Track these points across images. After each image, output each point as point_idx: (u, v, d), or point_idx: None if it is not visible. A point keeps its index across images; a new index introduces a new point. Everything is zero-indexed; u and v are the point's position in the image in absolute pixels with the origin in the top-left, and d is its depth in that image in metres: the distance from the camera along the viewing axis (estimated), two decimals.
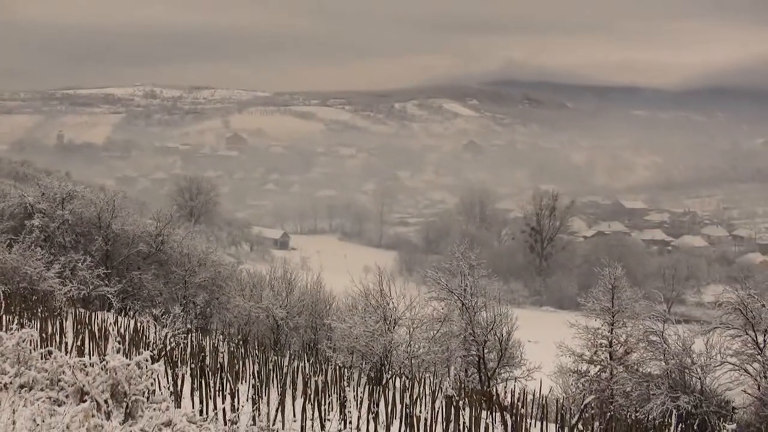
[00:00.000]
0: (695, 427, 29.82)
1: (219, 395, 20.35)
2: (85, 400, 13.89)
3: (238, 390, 19.40)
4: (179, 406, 17.74)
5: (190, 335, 31.17)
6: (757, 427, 30.10)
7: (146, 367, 14.84)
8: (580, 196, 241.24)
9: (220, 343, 32.93)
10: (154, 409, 14.02)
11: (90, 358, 15.28)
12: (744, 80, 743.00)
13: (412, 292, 36.38)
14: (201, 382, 19.70)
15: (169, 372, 20.66)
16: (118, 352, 16.21)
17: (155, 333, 29.13)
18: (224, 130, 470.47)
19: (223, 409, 17.15)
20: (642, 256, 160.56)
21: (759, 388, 32.16)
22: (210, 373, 21.92)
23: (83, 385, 14.29)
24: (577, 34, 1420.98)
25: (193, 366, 22.14)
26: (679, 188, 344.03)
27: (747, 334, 33.50)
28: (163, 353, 22.59)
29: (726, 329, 34.23)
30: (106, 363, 14.46)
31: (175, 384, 19.48)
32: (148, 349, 20.79)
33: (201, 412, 18.31)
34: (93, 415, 12.71)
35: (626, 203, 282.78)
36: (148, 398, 14.67)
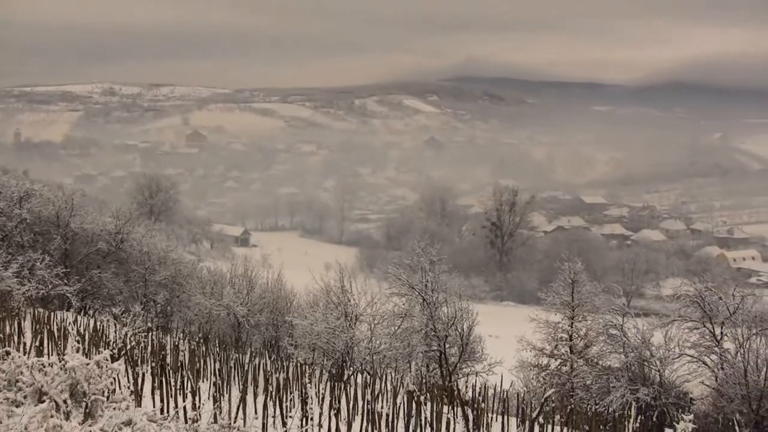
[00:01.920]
0: (654, 419, 30.09)
1: (180, 393, 20.29)
2: (44, 401, 13.78)
3: (199, 388, 19.35)
4: (140, 405, 17.67)
5: (150, 334, 31.04)
6: (715, 418, 30.41)
7: (106, 367, 14.75)
8: (540, 191, 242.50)
9: (181, 341, 32.83)
10: (114, 409, 13.95)
11: (49, 358, 15.17)
12: (702, 77, 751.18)
13: (373, 289, 36.51)
14: (162, 381, 19.63)
15: (130, 371, 20.58)
16: (77, 351, 16.12)
17: (115, 332, 28.97)
18: (184, 127, 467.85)
19: (184, 408, 17.08)
20: (601, 251, 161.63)
21: (716, 380, 32.50)
22: (171, 371, 21.85)
23: (42, 386, 14.19)
24: (538, 32, 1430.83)
25: (153, 365, 22.06)
26: (638, 183, 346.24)
27: (704, 326, 33.87)
28: (124, 352, 22.49)
29: (684, 322, 34.61)
30: (65, 363, 14.37)
31: (135, 383, 19.40)
32: (108, 349, 20.67)
33: (162, 410, 18.24)
34: (52, 416, 12.61)
35: (586, 198, 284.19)
36: (108, 398, 14.59)
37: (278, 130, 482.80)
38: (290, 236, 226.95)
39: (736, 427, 24.47)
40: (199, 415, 15.91)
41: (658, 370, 32.98)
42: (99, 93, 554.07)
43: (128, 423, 13.27)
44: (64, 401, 14.06)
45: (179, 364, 23.27)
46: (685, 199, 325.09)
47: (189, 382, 20.18)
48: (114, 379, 15.44)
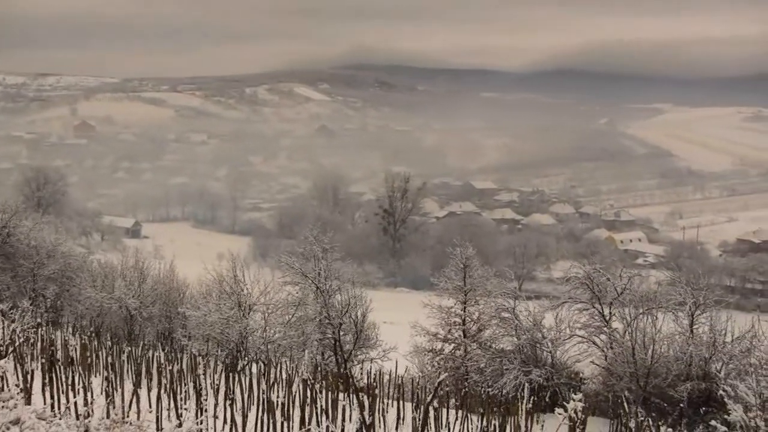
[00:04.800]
0: (547, 399, 30.66)
1: (71, 389, 19.96)
2: None
3: (91, 383, 19.06)
4: (29, 403, 17.33)
5: (39, 329, 30.44)
6: (605, 396, 31.14)
7: None
8: (431, 177, 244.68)
9: (72, 336, 32.26)
10: (2, 407, 13.67)
11: None
12: (588, 63, 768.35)
13: (266, 278, 36.38)
14: (52, 377, 19.29)
15: (19, 368, 20.15)
16: None
17: (2, 329, 28.33)
18: (72, 117, 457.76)
19: (75, 404, 16.81)
20: (493, 235, 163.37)
21: (606, 359, 33.28)
22: (61, 367, 21.47)
23: None
24: (428, 19, 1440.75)
25: (43, 361, 21.65)
26: (527, 168, 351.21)
27: (594, 307, 34.63)
28: (12, 349, 22.01)
29: (574, 303, 35.36)
30: None
31: (24, 380, 19.02)
32: None
33: (52, 407, 17.94)
34: None
35: (477, 184, 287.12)
36: None
37: (168, 119, 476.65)
38: (182, 227, 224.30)
39: (625, 404, 25.06)
40: (91, 410, 15.70)
41: (550, 352, 33.64)
42: None
43: (16, 422, 13.03)
44: None
45: (70, 359, 22.88)
46: (574, 183, 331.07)
47: (80, 378, 19.88)
48: (1, 377, 15.14)
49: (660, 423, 25.72)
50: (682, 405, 28.88)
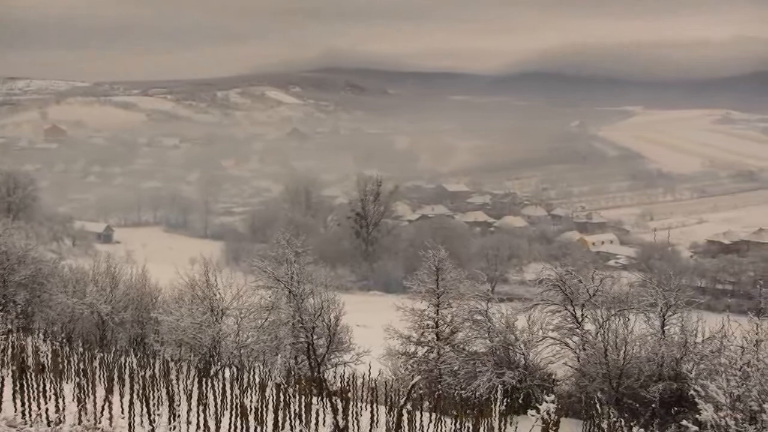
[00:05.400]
0: (520, 401, 30.76)
1: (43, 396, 19.84)
2: None
3: (62, 390, 18.95)
4: None
5: (10, 336, 30.23)
6: (578, 397, 31.26)
7: None
8: (404, 180, 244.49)
9: (42, 342, 32.08)
10: None
11: None
12: (559, 67, 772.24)
13: (239, 282, 36.31)
14: (22, 384, 19.16)
15: None
16: None
17: None
18: (42, 121, 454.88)
19: (47, 410, 16.70)
20: (465, 238, 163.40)
21: (579, 360, 33.43)
22: (33, 374, 21.33)
23: None
24: (398, 22, 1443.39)
25: (14, 368, 21.50)
26: (500, 171, 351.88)
27: (566, 309, 34.84)
28: None
29: (547, 305, 35.53)
30: None
31: None
32: None
33: (23, 414, 17.82)
34: None
35: (449, 186, 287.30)
36: None
37: (139, 123, 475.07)
38: (154, 231, 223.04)
39: (598, 405, 25.18)
40: (63, 417, 15.61)
41: (523, 354, 33.77)
42: None
43: None
44: None
45: (41, 366, 22.73)
46: (546, 186, 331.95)
47: (51, 384, 19.76)
48: None
49: (632, 423, 25.87)
50: (654, 405, 29.04)
